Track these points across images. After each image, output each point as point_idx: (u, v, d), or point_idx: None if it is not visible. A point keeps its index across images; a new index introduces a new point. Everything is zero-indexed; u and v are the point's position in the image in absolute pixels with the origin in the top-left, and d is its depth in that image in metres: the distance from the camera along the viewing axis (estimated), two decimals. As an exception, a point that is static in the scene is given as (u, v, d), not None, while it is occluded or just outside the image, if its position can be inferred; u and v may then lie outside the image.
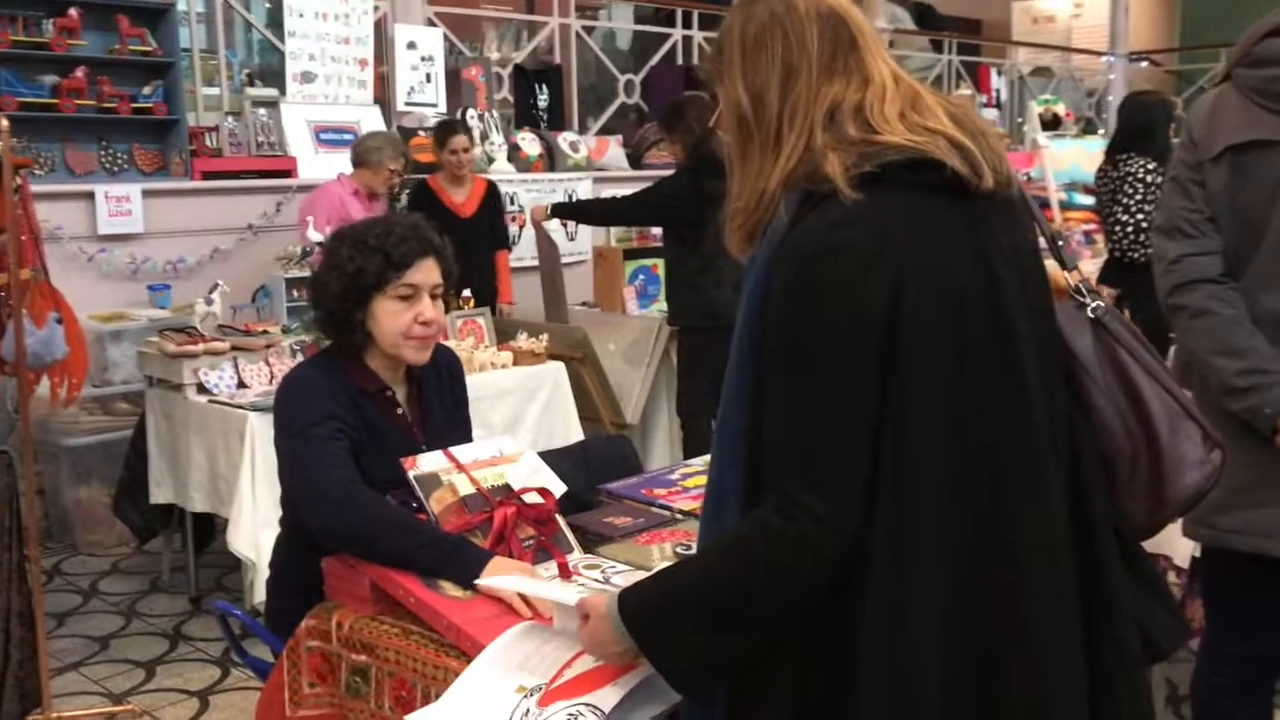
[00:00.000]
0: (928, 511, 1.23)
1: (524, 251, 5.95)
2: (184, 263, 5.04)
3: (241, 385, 3.71)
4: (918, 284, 1.22)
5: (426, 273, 2.16)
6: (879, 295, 1.21)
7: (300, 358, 3.83)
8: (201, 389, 3.69)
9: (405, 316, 2.13)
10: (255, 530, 3.40)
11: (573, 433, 4.22)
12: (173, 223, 5.05)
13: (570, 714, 1.43)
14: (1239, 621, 2.10)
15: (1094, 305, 1.42)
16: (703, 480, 2.39)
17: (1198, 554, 2.49)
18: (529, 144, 6.40)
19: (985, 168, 1.28)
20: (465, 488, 2.03)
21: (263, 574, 3.36)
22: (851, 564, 1.24)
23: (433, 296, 2.18)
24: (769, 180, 1.31)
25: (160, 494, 3.90)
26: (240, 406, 3.51)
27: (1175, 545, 2.44)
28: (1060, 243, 1.47)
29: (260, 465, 3.40)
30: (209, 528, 4.14)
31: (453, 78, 6.29)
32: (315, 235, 4.28)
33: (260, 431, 3.41)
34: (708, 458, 2.60)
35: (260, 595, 3.36)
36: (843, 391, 1.23)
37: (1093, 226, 6.58)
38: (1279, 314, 1.96)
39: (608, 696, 1.43)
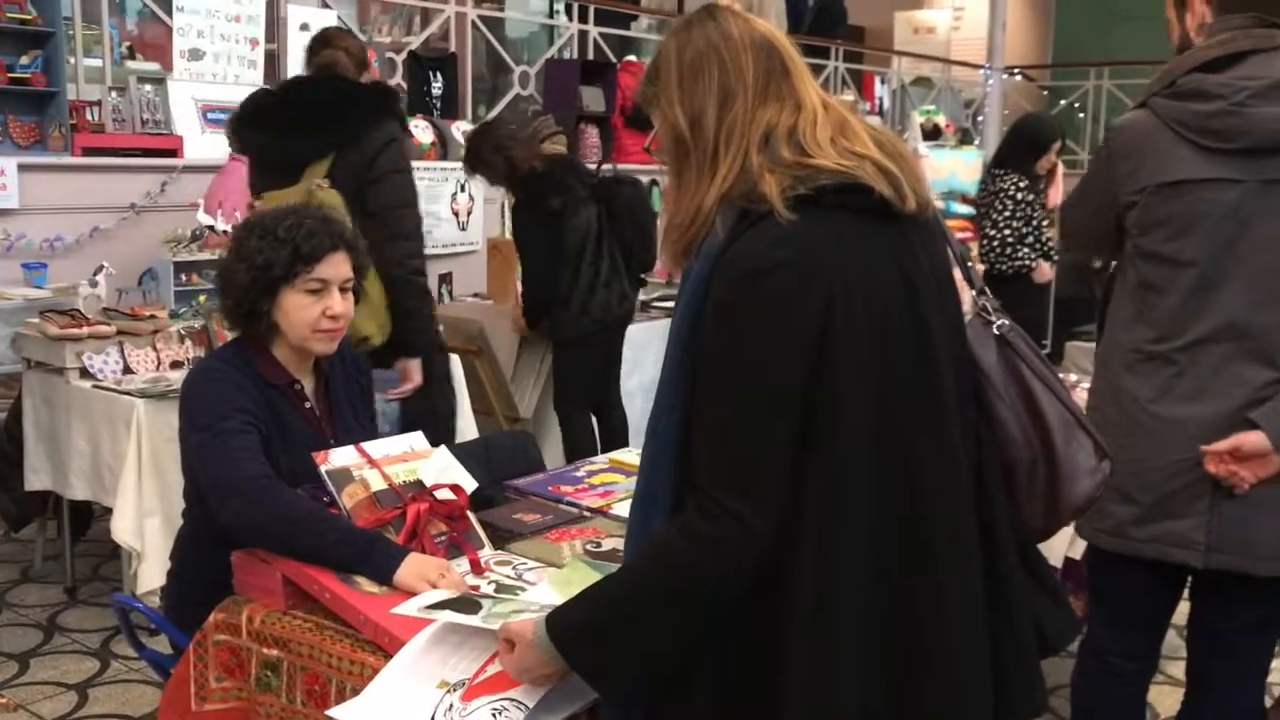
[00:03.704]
0: (851, 519, 1.30)
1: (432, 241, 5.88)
2: (62, 241, 4.85)
3: (127, 371, 3.61)
4: (847, 302, 1.29)
5: (336, 266, 2.15)
6: (812, 312, 1.28)
7: (189, 344, 3.75)
8: (85, 373, 3.58)
9: (313, 310, 2.12)
10: (140, 519, 3.32)
11: (467, 425, 4.21)
12: (50, 199, 4.86)
13: (494, 709, 1.46)
14: (1120, 617, 2.24)
15: (999, 323, 1.52)
16: (608, 478, 2.45)
17: (1073, 555, 2.65)
18: (421, 132, 6.33)
19: (908, 191, 1.36)
20: (377, 483, 2.03)
21: (148, 564, 3.30)
22: (778, 570, 1.30)
23: (342, 290, 2.17)
24: (705, 198, 1.37)
25: (36, 480, 3.77)
26: (126, 393, 3.42)
27: (1051, 547, 2.58)
28: (969, 264, 1.56)
29: (147, 453, 3.33)
30: (85, 516, 4.02)
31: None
32: (205, 218, 4.19)
33: (147, 419, 3.33)
34: (615, 455, 2.68)
35: (145, 585, 3.30)
36: (771, 402, 1.29)
37: (968, 235, 6.85)
38: (1196, 340, 2.03)
39: (531, 691, 1.46)
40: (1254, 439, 1.96)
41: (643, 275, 4.61)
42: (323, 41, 3.42)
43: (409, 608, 1.72)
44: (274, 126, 3.13)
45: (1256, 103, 1.95)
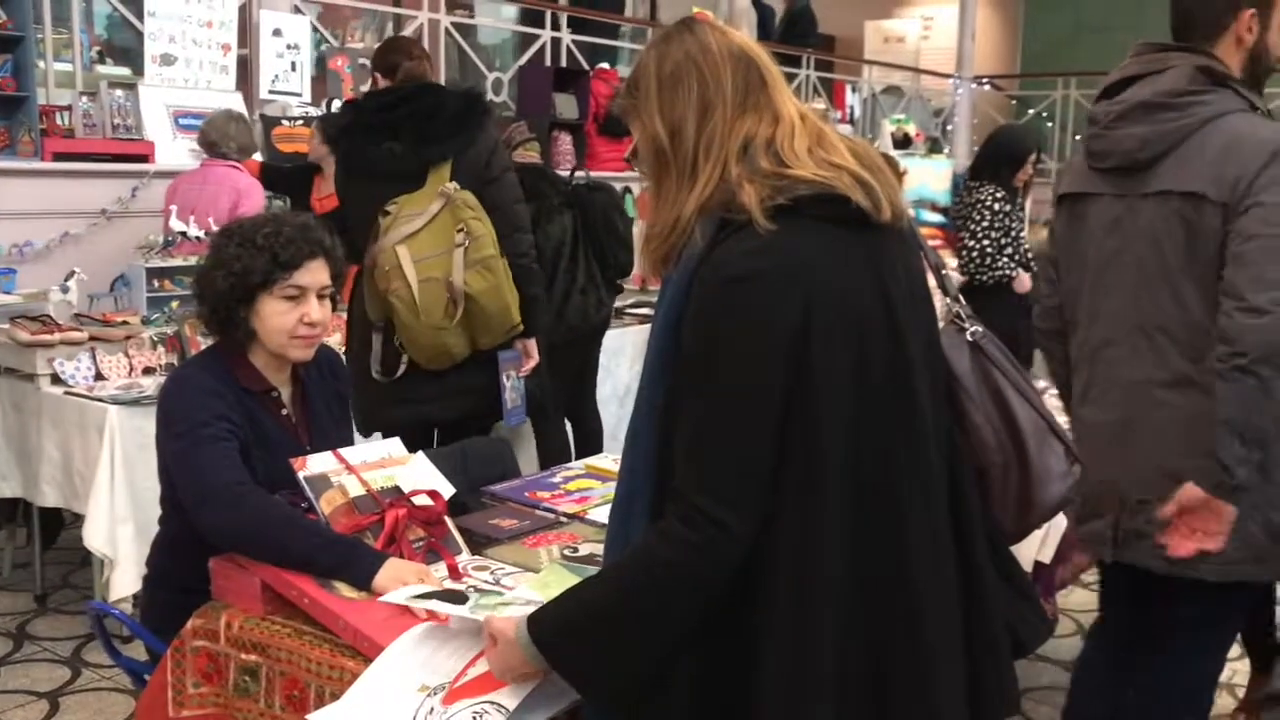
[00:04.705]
0: (827, 522, 1.32)
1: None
2: (31, 246, 4.81)
3: (99, 377, 3.59)
4: (824, 309, 1.32)
5: (314, 274, 2.16)
6: (790, 319, 1.30)
7: (161, 350, 3.74)
8: (56, 380, 3.56)
9: (291, 317, 2.12)
10: (113, 526, 3.30)
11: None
12: (19, 204, 4.82)
13: (474, 712, 1.47)
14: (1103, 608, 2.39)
15: (973, 330, 1.55)
16: (584, 484, 2.46)
17: (1042, 559, 2.69)
18: (395, 138, 6.33)
19: (884, 202, 1.39)
20: (355, 489, 2.04)
21: (121, 571, 3.29)
22: (755, 571, 1.32)
23: (320, 297, 2.18)
24: (684, 208, 1.39)
25: (5, 487, 3.75)
26: (99, 399, 3.41)
27: (1020, 550, 2.61)
28: (943, 272, 1.59)
29: (119, 460, 3.31)
30: (55, 523, 3.99)
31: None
32: (178, 225, 4.18)
33: (120, 425, 3.32)
34: (591, 461, 2.69)
35: (117, 592, 3.28)
36: (750, 407, 1.31)
37: (939, 242, 6.91)
38: (1096, 345, 2.17)
39: (512, 694, 1.48)
40: (1188, 491, 2.00)
41: (619, 282, 4.63)
42: (398, 51, 3.57)
43: (397, 596, 1.73)
44: (407, 135, 3.26)
45: (1120, 124, 2.08)
